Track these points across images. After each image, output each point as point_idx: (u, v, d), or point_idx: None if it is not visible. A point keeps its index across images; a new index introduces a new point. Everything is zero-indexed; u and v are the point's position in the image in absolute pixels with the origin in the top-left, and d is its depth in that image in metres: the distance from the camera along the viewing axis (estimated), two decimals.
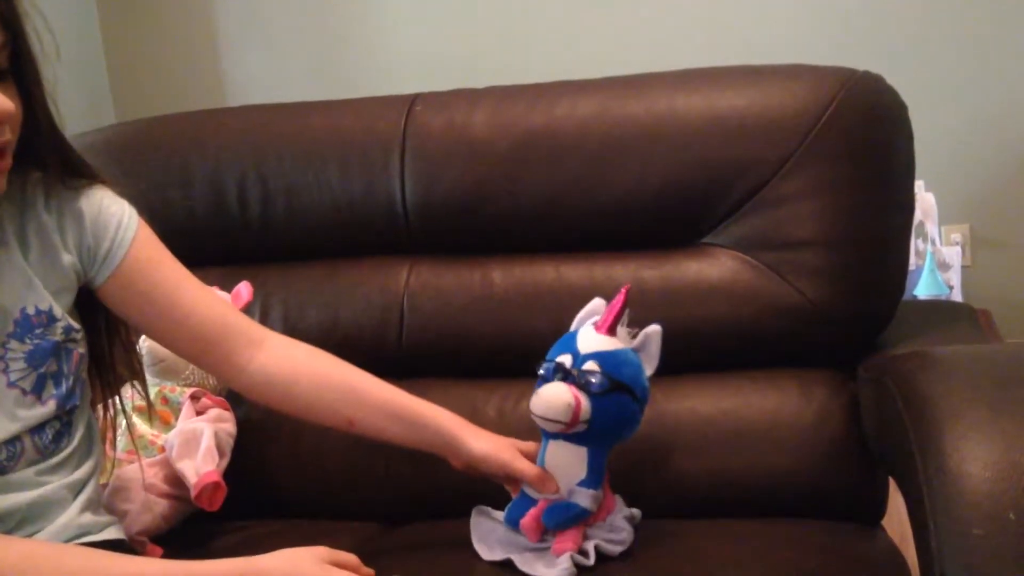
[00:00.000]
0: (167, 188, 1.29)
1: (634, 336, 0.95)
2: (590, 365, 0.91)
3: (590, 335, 0.94)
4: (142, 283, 0.92)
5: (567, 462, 0.93)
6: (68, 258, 0.89)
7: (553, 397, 0.89)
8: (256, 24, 2.67)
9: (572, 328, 0.99)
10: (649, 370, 0.94)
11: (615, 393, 0.91)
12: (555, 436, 0.93)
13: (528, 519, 0.92)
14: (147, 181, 1.29)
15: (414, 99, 1.26)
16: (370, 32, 2.60)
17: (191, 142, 1.32)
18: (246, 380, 0.97)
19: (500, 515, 0.98)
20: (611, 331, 0.93)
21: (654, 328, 0.94)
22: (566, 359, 0.93)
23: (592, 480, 0.93)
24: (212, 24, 2.70)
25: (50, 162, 0.87)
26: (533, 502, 0.94)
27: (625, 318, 0.95)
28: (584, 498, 0.92)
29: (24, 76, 0.80)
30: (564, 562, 0.89)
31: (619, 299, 0.94)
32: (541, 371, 0.94)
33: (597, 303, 0.99)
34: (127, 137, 1.38)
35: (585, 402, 0.89)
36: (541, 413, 0.90)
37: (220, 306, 0.98)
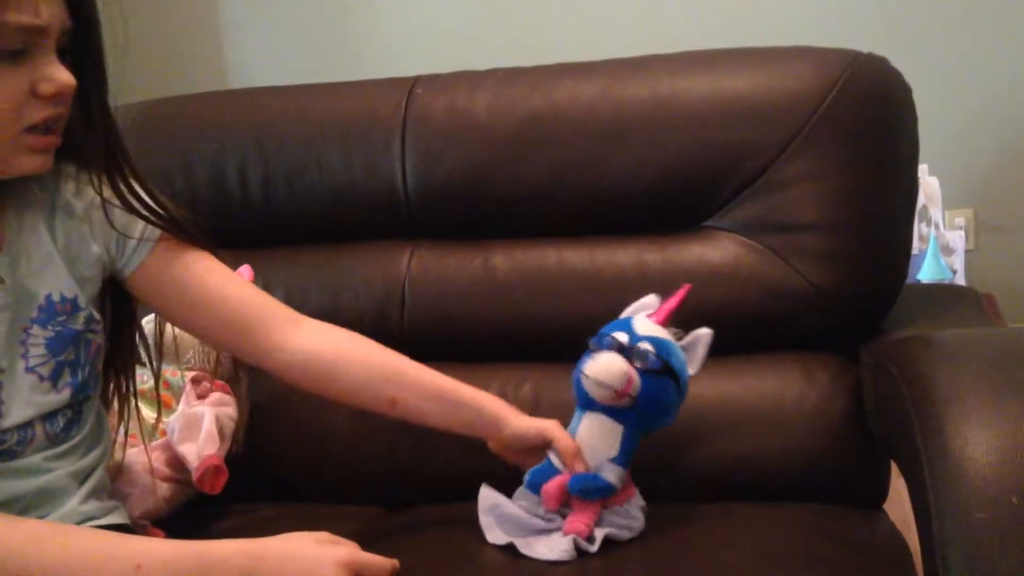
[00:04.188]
0: (168, 171, 1.29)
1: (679, 337, 0.96)
2: (645, 345, 0.92)
3: (645, 322, 0.96)
4: (173, 271, 0.93)
5: (601, 437, 0.94)
6: (96, 249, 0.89)
7: (609, 363, 0.91)
8: (257, 6, 2.66)
9: (623, 316, 1.00)
10: (692, 371, 0.96)
11: (664, 376, 0.92)
12: (594, 408, 0.94)
13: (552, 485, 0.92)
14: (147, 164, 1.26)
15: (415, 81, 1.26)
16: (372, 14, 2.59)
17: (192, 125, 1.32)
18: (283, 360, 0.95)
19: (507, 502, 0.97)
20: (665, 324, 0.96)
21: (705, 331, 0.96)
22: (622, 336, 0.94)
23: (623, 460, 0.94)
24: (213, 6, 2.69)
25: (94, 157, 0.87)
26: (557, 471, 0.94)
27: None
28: (612, 474, 0.93)
29: (82, 62, 0.81)
30: (565, 543, 0.89)
31: (679, 296, 0.97)
32: (594, 342, 0.95)
33: (651, 299, 1.00)
34: (127, 120, 1.36)
35: (636, 376, 0.91)
36: (596, 376, 0.91)
37: (250, 290, 0.98)
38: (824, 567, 0.89)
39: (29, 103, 0.78)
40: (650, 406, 0.93)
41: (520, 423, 0.97)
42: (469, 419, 0.97)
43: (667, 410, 0.96)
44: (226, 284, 0.95)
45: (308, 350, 0.95)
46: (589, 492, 0.92)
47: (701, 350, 0.96)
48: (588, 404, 0.95)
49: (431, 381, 0.98)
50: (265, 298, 0.98)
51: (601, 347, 0.94)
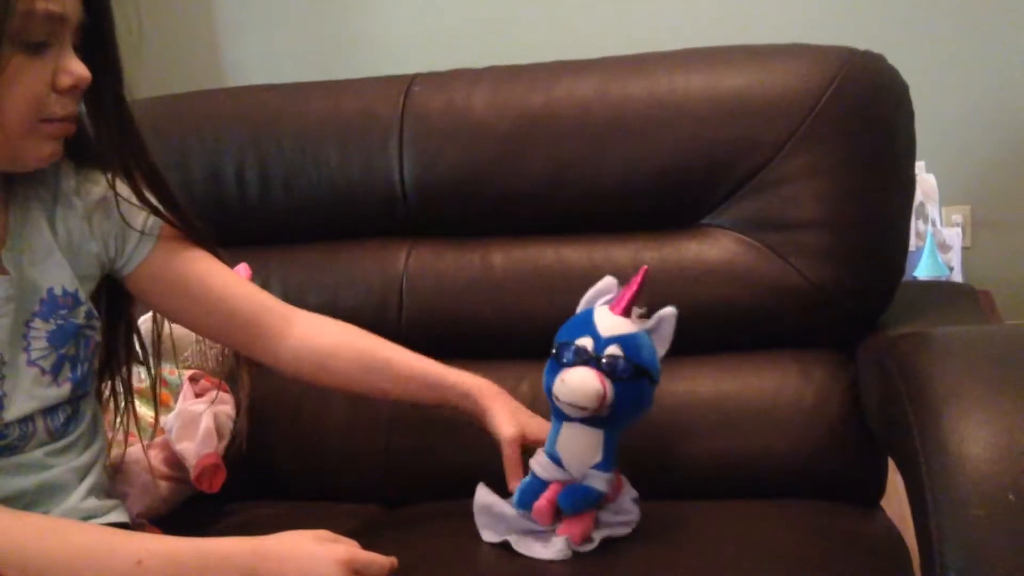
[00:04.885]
0: (165, 170, 1.28)
1: (643, 317, 0.93)
2: (613, 349, 0.89)
3: (607, 317, 0.91)
4: (174, 270, 0.94)
5: (583, 446, 0.91)
6: (95, 247, 0.90)
7: (582, 384, 0.87)
8: (254, 4, 2.66)
9: (581, 307, 0.96)
10: (661, 352, 0.93)
11: (636, 378, 0.89)
12: (571, 419, 0.91)
13: (542, 502, 0.91)
14: None
15: (413, 79, 1.26)
16: (369, 12, 2.58)
17: (189, 124, 1.32)
18: (280, 355, 0.99)
19: (502, 502, 0.96)
20: (627, 313, 0.91)
21: (669, 311, 0.93)
22: (587, 342, 0.90)
23: (607, 463, 0.91)
24: (210, 4, 2.68)
25: (107, 152, 0.88)
26: (544, 484, 0.92)
27: (640, 300, 0.93)
28: (600, 481, 0.91)
29: (96, 58, 0.82)
30: (561, 543, 0.89)
31: (637, 280, 0.92)
32: (560, 354, 0.91)
33: (608, 282, 0.96)
34: None
35: (610, 389, 0.88)
36: (569, 400, 0.88)
37: (249, 287, 1.00)
38: (822, 564, 0.89)
39: (48, 97, 0.79)
40: (627, 408, 0.91)
41: (489, 421, 0.97)
42: (456, 402, 1.00)
43: (644, 406, 0.93)
44: (226, 281, 0.97)
45: (302, 345, 0.99)
46: (580, 506, 0.91)
47: (667, 330, 0.93)
48: (564, 415, 0.92)
49: (419, 368, 1.01)
50: (262, 295, 1.00)
51: (567, 359, 0.90)
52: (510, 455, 0.95)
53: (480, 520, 0.96)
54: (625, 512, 0.95)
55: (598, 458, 0.91)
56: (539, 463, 0.92)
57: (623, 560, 0.90)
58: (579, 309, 0.96)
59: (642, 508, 0.98)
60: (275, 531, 0.82)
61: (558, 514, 0.92)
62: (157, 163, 0.91)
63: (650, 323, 0.93)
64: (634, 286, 0.92)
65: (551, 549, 0.89)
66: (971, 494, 0.70)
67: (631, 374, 0.89)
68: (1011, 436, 0.72)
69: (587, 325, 0.91)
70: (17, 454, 0.85)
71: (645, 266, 0.92)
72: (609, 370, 0.88)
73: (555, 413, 0.93)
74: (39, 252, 0.87)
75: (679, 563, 0.89)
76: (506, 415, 0.97)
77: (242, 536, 0.80)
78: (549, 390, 0.91)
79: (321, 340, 1.00)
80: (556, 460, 0.92)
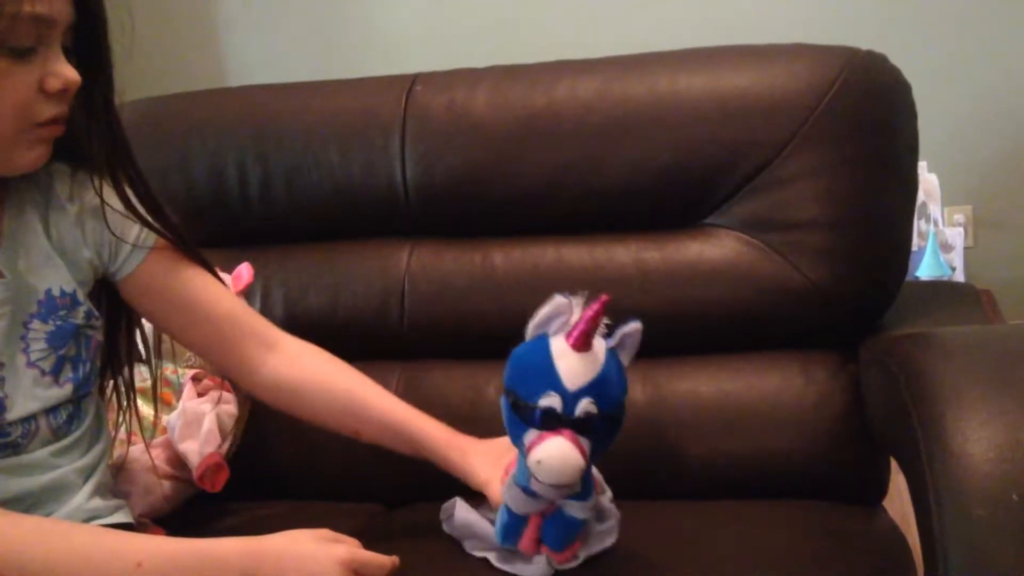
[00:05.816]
0: (166, 170, 1.28)
1: (607, 333, 0.85)
2: (585, 405, 0.79)
3: (570, 360, 0.80)
4: (164, 281, 0.93)
5: None
6: (87, 253, 0.90)
7: (563, 464, 0.79)
8: (256, 4, 2.66)
9: (531, 331, 0.85)
10: (627, 362, 0.86)
11: (611, 427, 0.83)
12: None
13: (527, 542, 0.87)
14: (145, 163, 1.26)
15: (414, 79, 1.25)
16: (370, 11, 2.58)
17: (190, 123, 1.31)
18: (257, 382, 0.98)
19: (483, 520, 0.94)
20: (586, 345, 0.81)
21: (634, 327, 0.84)
22: (554, 402, 0.79)
23: (586, 493, 0.86)
24: (211, 3, 2.68)
25: (96, 157, 0.87)
26: (523, 520, 0.87)
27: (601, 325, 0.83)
28: (580, 510, 0.85)
29: (88, 61, 0.82)
30: (542, 560, 0.87)
31: (594, 311, 0.80)
32: (525, 415, 0.81)
33: (560, 303, 0.83)
34: (125, 119, 1.34)
35: (588, 448, 0.80)
36: (551, 482, 0.80)
37: (238, 306, 0.99)
38: (824, 564, 0.89)
39: (37, 100, 0.78)
40: (601, 449, 0.84)
41: (466, 475, 0.95)
42: (424, 453, 0.98)
43: (616, 437, 0.85)
44: (214, 298, 0.96)
45: (279, 375, 0.98)
46: (565, 541, 0.87)
47: (631, 343, 0.85)
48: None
49: (391, 413, 0.98)
50: (251, 317, 0.99)
51: (535, 423, 0.80)
52: (495, 501, 0.90)
53: (461, 535, 0.95)
54: (605, 515, 0.91)
55: (576, 489, 0.85)
56: (512, 499, 0.85)
57: (624, 560, 0.90)
58: (529, 333, 0.85)
59: (642, 508, 0.97)
60: (276, 530, 0.82)
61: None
62: (142, 170, 0.90)
63: (615, 341, 0.84)
64: (591, 318, 0.80)
65: (534, 567, 0.88)
66: (974, 494, 0.70)
67: (606, 425, 0.82)
68: (1013, 436, 0.72)
69: (550, 377, 0.80)
70: (21, 453, 0.85)
71: (606, 297, 0.79)
72: (583, 429, 0.80)
73: (522, 448, 0.84)
74: (35, 254, 0.86)
75: (679, 563, 0.89)
76: (483, 466, 0.94)
77: (242, 536, 0.81)
78: (518, 444, 0.83)
79: (299, 372, 0.99)
80: (529, 492, 0.84)
